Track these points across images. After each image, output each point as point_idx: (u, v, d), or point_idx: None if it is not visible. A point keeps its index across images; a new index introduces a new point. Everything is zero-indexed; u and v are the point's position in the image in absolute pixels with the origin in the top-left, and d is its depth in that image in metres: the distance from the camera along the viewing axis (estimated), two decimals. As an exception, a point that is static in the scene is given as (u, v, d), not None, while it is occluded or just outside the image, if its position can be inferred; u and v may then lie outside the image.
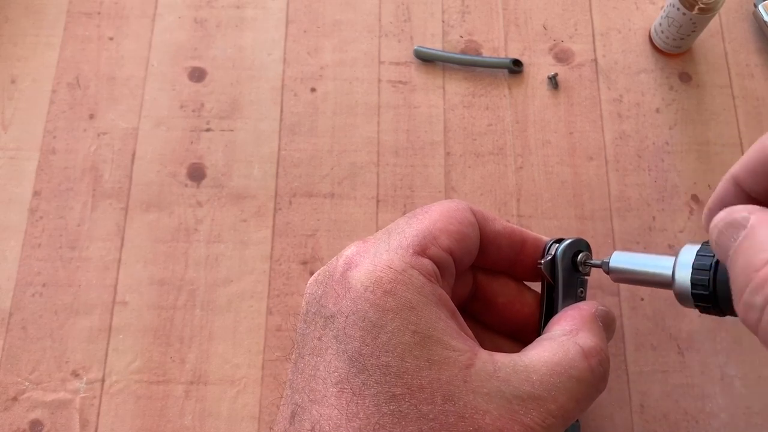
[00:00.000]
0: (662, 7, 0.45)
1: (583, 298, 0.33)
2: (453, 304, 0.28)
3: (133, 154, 0.43)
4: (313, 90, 0.45)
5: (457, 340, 0.27)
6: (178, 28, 0.46)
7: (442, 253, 0.28)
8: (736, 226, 0.23)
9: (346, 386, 0.26)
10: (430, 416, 0.25)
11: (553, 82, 0.45)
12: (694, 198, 0.43)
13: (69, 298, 0.39)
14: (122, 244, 0.41)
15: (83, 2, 0.46)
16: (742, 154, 0.44)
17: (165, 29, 0.46)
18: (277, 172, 0.43)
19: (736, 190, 0.27)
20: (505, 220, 0.33)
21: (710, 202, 0.29)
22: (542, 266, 0.32)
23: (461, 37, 0.46)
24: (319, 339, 0.27)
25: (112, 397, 0.37)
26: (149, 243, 0.41)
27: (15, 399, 0.37)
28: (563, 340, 0.28)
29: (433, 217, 0.29)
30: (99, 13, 0.46)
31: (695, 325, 0.40)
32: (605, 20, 0.47)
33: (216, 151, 0.43)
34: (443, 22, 0.47)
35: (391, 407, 0.25)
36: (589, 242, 0.34)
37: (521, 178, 0.43)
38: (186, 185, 0.42)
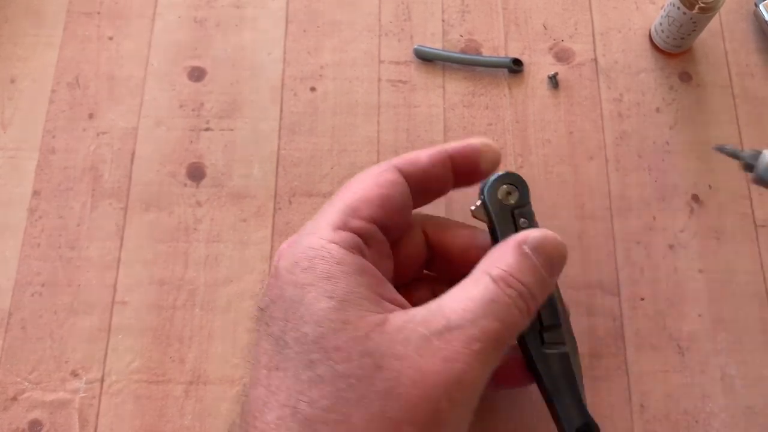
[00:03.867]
0: (662, 7, 0.45)
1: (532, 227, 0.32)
2: (378, 273, 0.28)
3: (133, 154, 0.43)
4: (313, 89, 0.45)
5: (375, 305, 0.27)
6: (177, 27, 0.46)
7: (364, 223, 0.29)
8: None
9: (272, 365, 0.26)
10: (347, 373, 0.25)
11: (553, 81, 0.45)
12: (695, 198, 0.43)
13: (68, 297, 0.39)
14: (122, 244, 0.41)
15: (83, 2, 0.46)
16: (743, 153, 0.44)
17: (165, 29, 0.46)
18: (276, 172, 0.42)
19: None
20: (429, 149, 0.32)
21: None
22: (474, 213, 0.32)
23: (461, 36, 0.46)
24: (257, 331, 0.28)
25: (111, 397, 0.37)
26: (149, 243, 0.41)
27: (14, 399, 0.37)
28: (477, 274, 0.28)
29: (353, 189, 0.30)
30: (99, 13, 0.46)
31: (696, 325, 0.40)
32: (605, 20, 0.47)
33: (216, 151, 0.43)
34: (443, 21, 0.47)
35: (309, 374, 0.25)
36: (528, 187, 0.33)
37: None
38: (185, 185, 0.42)
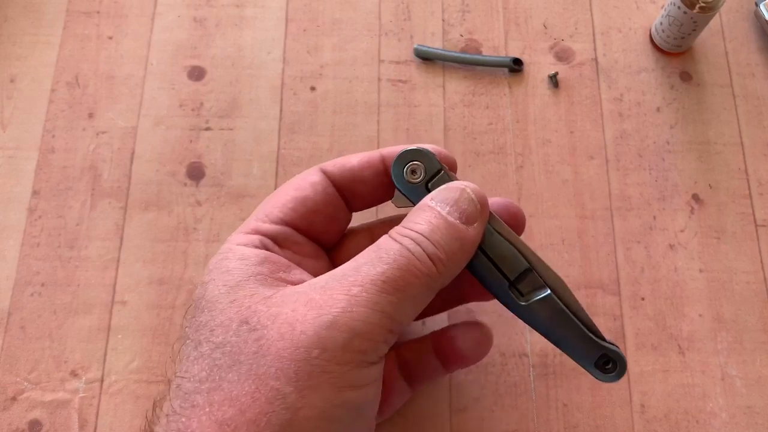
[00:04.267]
0: (663, 6, 0.45)
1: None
2: (284, 261, 0.29)
3: (132, 153, 0.42)
4: (312, 89, 0.45)
5: (271, 286, 0.27)
6: (177, 27, 0.46)
7: (273, 226, 0.30)
8: None
9: (175, 357, 0.27)
10: (224, 342, 0.25)
11: (554, 81, 0.45)
12: (695, 197, 0.43)
13: (68, 297, 0.39)
14: (121, 244, 0.40)
15: (82, 1, 0.46)
16: (743, 153, 0.44)
17: (164, 28, 0.46)
18: (276, 171, 0.42)
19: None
20: (362, 153, 0.32)
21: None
22: (395, 204, 0.31)
23: (461, 35, 0.46)
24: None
25: (111, 397, 0.37)
26: (148, 242, 0.40)
27: (14, 399, 0.37)
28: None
29: (275, 194, 0.31)
30: (98, 12, 0.46)
31: (696, 325, 0.40)
32: (606, 19, 0.47)
33: (215, 150, 0.43)
34: (443, 20, 0.47)
35: (194, 353, 0.25)
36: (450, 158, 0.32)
37: (522, 177, 0.43)
38: (185, 184, 0.42)
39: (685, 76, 0.46)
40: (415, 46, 0.45)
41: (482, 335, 0.33)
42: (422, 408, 0.38)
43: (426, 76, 0.45)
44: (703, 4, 0.42)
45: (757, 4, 0.46)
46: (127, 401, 0.37)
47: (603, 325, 0.40)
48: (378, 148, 0.43)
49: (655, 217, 0.42)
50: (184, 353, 0.26)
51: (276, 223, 0.30)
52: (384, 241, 0.27)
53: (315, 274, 0.29)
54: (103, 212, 0.41)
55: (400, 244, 0.26)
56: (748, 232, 0.42)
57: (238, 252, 0.28)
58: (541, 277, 0.29)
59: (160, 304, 0.39)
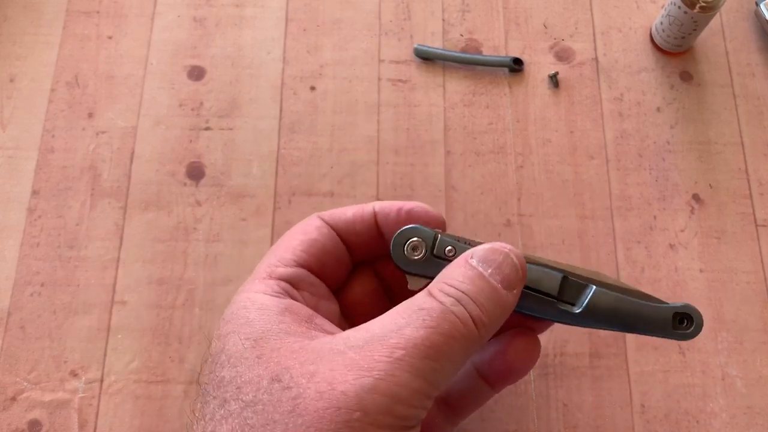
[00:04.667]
0: (663, 6, 0.44)
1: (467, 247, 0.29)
2: (307, 310, 0.28)
3: (132, 153, 0.42)
4: (312, 88, 0.44)
5: (297, 337, 0.26)
6: (177, 26, 0.46)
7: (289, 269, 0.29)
8: None
9: (197, 414, 0.26)
10: (255, 401, 0.24)
11: (554, 80, 0.45)
12: (695, 197, 0.43)
13: (67, 297, 0.39)
14: (121, 244, 0.40)
15: (82, 1, 0.46)
16: (743, 153, 0.44)
17: (164, 28, 0.46)
18: (276, 171, 0.42)
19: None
20: (358, 205, 0.32)
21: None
22: (411, 287, 0.29)
23: (461, 35, 0.46)
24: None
25: (110, 397, 0.37)
26: (148, 242, 0.40)
27: (13, 399, 0.37)
28: (416, 294, 0.26)
29: (282, 241, 0.30)
30: (98, 12, 0.46)
31: (696, 324, 0.40)
32: (606, 19, 0.47)
33: (215, 150, 0.43)
34: (443, 20, 0.47)
35: (221, 412, 0.24)
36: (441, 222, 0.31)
37: (522, 177, 0.43)
38: (185, 184, 0.42)
39: (686, 76, 0.46)
40: (415, 45, 0.45)
41: (529, 342, 0.31)
42: (422, 408, 0.38)
43: (426, 76, 0.45)
44: (703, 4, 0.41)
45: (757, 4, 0.46)
46: (127, 401, 0.37)
47: (603, 325, 0.40)
48: (378, 147, 0.43)
49: (655, 217, 0.42)
50: (207, 412, 0.25)
51: (290, 265, 0.29)
52: (425, 300, 0.25)
53: (331, 319, 0.29)
54: (103, 212, 0.41)
55: (443, 304, 0.25)
56: (748, 232, 0.42)
57: (258, 301, 0.27)
58: (578, 278, 0.29)
59: (160, 304, 0.39)
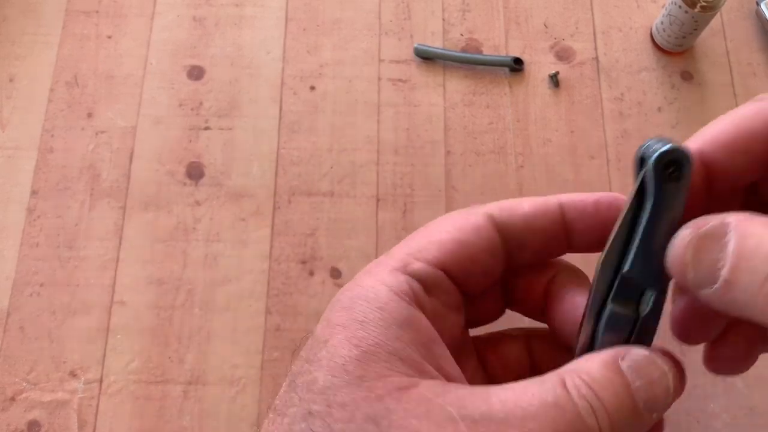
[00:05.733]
0: (664, 6, 0.44)
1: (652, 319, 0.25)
2: (431, 331, 0.24)
3: (132, 153, 0.42)
4: (312, 88, 0.44)
5: (408, 366, 0.23)
6: (176, 26, 0.46)
7: (426, 266, 0.25)
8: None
9: (278, 407, 0.24)
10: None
11: (554, 80, 0.45)
12: (696, 197, 0.43)
13: (67, 297, 0.39)
14: (120, 244, 0.40)
15: (82, 1, 0.46)
16: (745, 152, 0.44)
17: (164, 27, 0.46)
18: (276, 171, 0.42)
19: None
20: (533, 198, 0.27)
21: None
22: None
23: (462, 35, 0.46)
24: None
25: (110, 398, 0.37)
26: (147, 242, 0.40)
27: (13, 399, 0.37)
28: (549, 374, 0.23)
29: (429, 229, 0.27)
30: (97, 12, 0.46)
31: (697, 325, 0.40)
32: (606, 18, 0.47)
33: (215, 150, 0.43)
34: (444, 20, 0.46)
35: (302, 425, 0.22)
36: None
37: (522, 177, 0.43)
38: (184, 184, 0.42)
39: (686, 76, 0.46)
40: (416, 45, 0.45)
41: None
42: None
43: (426, 76, 0.45)
44: (704, 4, 0.41)
45: (758, 4, 0.46)
46: (127, 401, 0.37)
47: (604, 325, 0.39)
48: (378, 147, 0.43)
49: (656, 217, 0.42)
50: (288, 414, 0.23)
51: (431, 263, 0.25)
52: (560, 394, 0.22)
53: (452, 333, 0.26)
54: (102, 212, 0.41)
55: (577, 407, 0.22)
56: (749, 232, 0.42)
57: (382, 298, 0.24)
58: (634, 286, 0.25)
59: (160, 304, 0.39)
